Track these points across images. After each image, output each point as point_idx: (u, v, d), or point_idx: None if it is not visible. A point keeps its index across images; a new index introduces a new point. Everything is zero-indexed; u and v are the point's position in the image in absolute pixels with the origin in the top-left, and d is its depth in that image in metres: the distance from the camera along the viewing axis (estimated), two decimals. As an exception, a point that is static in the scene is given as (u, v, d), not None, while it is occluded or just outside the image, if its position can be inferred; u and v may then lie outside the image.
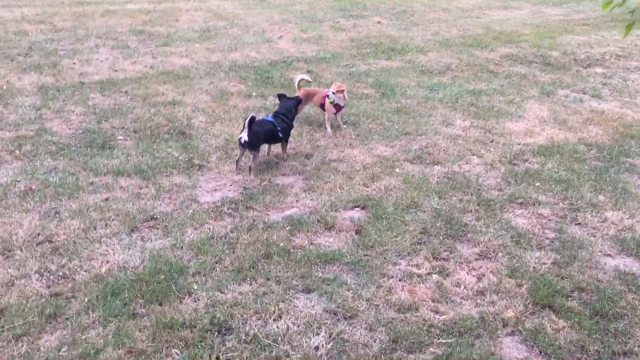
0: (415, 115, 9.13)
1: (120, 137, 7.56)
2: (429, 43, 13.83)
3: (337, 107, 8.23)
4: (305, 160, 7.31)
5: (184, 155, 7.19)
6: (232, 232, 5.65)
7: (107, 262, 5.02)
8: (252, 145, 6.65)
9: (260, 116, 7.19)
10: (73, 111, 8.23)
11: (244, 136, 6.59)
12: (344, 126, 8.51)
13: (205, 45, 12.08)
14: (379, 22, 15.72)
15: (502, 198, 6.64)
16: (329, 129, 8.30)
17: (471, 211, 6.31)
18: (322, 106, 8.35)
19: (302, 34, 13.65)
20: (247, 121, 6.58)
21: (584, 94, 11.08)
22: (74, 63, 10.28)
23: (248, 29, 13.74)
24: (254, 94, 9.50)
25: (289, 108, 7.22)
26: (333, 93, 8.03)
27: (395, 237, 5.67)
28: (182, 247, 5.33)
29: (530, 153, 8.01)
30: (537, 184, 7.06)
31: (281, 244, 5.43)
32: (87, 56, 10.73)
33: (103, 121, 7.99)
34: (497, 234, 5.89)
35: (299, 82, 8.38)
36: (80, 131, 7.59)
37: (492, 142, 8.34)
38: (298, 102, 7.36)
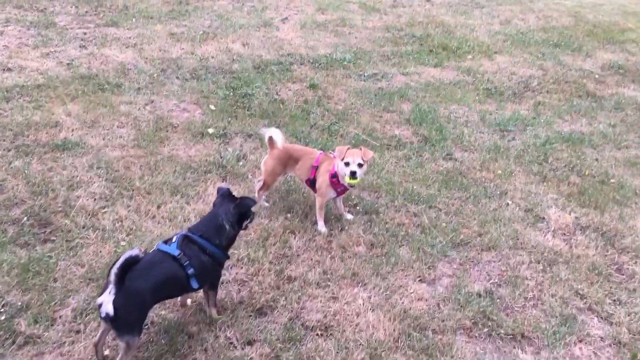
0: (477, 192, 5.26)
1: None
2: (497, 38, 9.69)
3: (339, 187, 4.43)
4: (253, 323, 3.57)
5: (12, 296, 3.54)
6: None
7: None
8: (123, 323, 2.98)
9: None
10: None
11: (106, 304, 2.88)
12: (350, 217, 4.71)
13: (170, 27, 8.24)
14: (428, 0, 11.55)
15: None
16: (321, 226, 4.54)
17: None
18: (311, 182, 4.54)
19: (318, 15, 9.66)
20: (116, 269, 2.87)
21: None
22: (-53, 53, 6.64)
23: (244, 0, 9.79)
24: (210, 130, 5.73)
25: (221, 221, 3.42)
26: (359, 165, 4.22)
27: None
28: None
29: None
30: None
31: None
32: (-21, 40, 7.07)
33: None
34: None
35: (270, 137, 4.58)
36: None
37: (620, 271, 4.47)
38: (244, 206, 3.50)
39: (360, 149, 4.31)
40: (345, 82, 7.26)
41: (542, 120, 6.94)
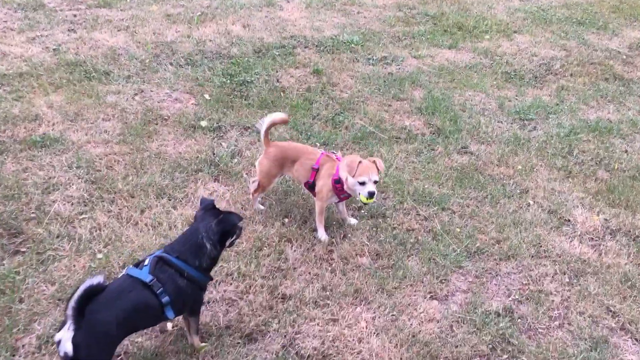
0: (495, 190, 4.76)
1: None
2: (517, 16, 9.05)
3: (343, 193, 3.96)
4: (241, 352, 3.16)
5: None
6: None
7: None
8: (84, 362, 2.55)
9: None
10: None
11: (65, 342, 2.49)
12: (354, 222, 4.26)
13: (166, 8, 7.73)
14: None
15: None
16: (321, 234, 4.09)
17: None
18: (310, 185, 4.07)
19: (326, -7, 9.06)
20: (73, 301, 2.46)
21: None
22: None
23: (248, -21, 9.21)
24: (203, 123, 5.26)
25: (201, 239, 2.96)
26: (375, 182, 3.74)
27: None
28: None
29: None
30: None
31: None
32: (-39, 25, 6.62)
33: None
34: None
35: (267, 127, 4.10)
36: None
37: (656, 283, 3.98)
38: (227, 222, 3.02)
39: (374, 162, 3.80)
40: (352, 66, 6.73)
41: (565, 107, 6.39)
